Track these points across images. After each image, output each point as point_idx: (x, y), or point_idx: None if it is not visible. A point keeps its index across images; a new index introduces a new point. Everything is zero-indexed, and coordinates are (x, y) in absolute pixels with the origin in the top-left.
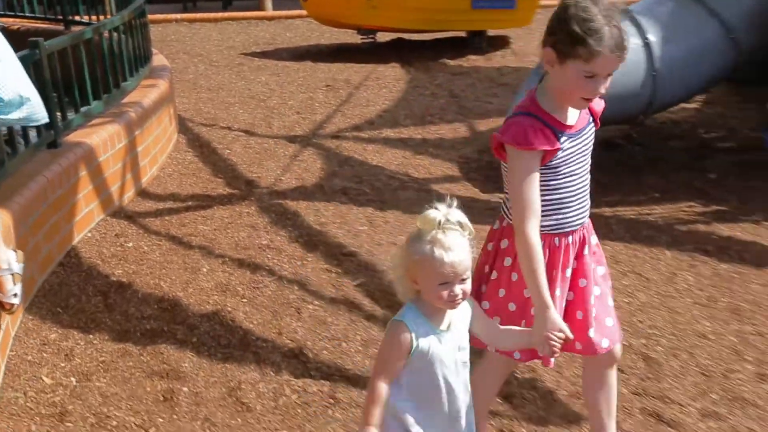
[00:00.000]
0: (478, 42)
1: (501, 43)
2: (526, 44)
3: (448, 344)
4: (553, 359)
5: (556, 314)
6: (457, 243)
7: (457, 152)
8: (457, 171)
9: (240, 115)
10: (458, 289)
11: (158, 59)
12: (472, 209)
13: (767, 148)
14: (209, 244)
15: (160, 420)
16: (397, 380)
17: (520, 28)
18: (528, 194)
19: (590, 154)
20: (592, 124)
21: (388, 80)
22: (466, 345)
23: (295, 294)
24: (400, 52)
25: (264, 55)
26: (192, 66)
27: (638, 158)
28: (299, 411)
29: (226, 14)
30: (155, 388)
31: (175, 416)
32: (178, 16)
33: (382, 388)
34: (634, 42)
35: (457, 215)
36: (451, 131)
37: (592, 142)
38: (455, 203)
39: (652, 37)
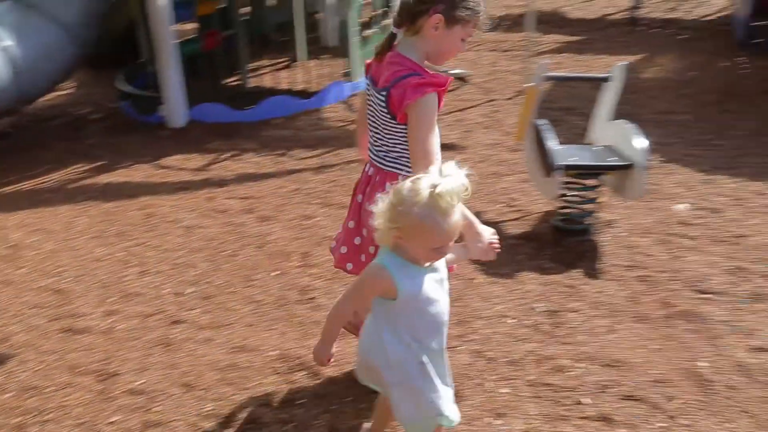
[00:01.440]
0: None
1: None
2: None
3: (434, 282)
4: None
5: (481, 225)
6: (455, 209)
7: None
8: None
9: None
10: (447, 250)
11: None
12: None
13: (128, 114)
14: None
15: None
16: (393, 328)
17: None
18: (435, 145)
19: None
20: None
21: None
22: (446, 276)
23: None
24: None
25: None
26: None
27: (29, 140)
28: None
29: None
30: None
31: None
32: None
33: (348, 312)
34: None
35: (457, 180)
36: None
37: None
38: (453, 164)
39: (9, 42)
